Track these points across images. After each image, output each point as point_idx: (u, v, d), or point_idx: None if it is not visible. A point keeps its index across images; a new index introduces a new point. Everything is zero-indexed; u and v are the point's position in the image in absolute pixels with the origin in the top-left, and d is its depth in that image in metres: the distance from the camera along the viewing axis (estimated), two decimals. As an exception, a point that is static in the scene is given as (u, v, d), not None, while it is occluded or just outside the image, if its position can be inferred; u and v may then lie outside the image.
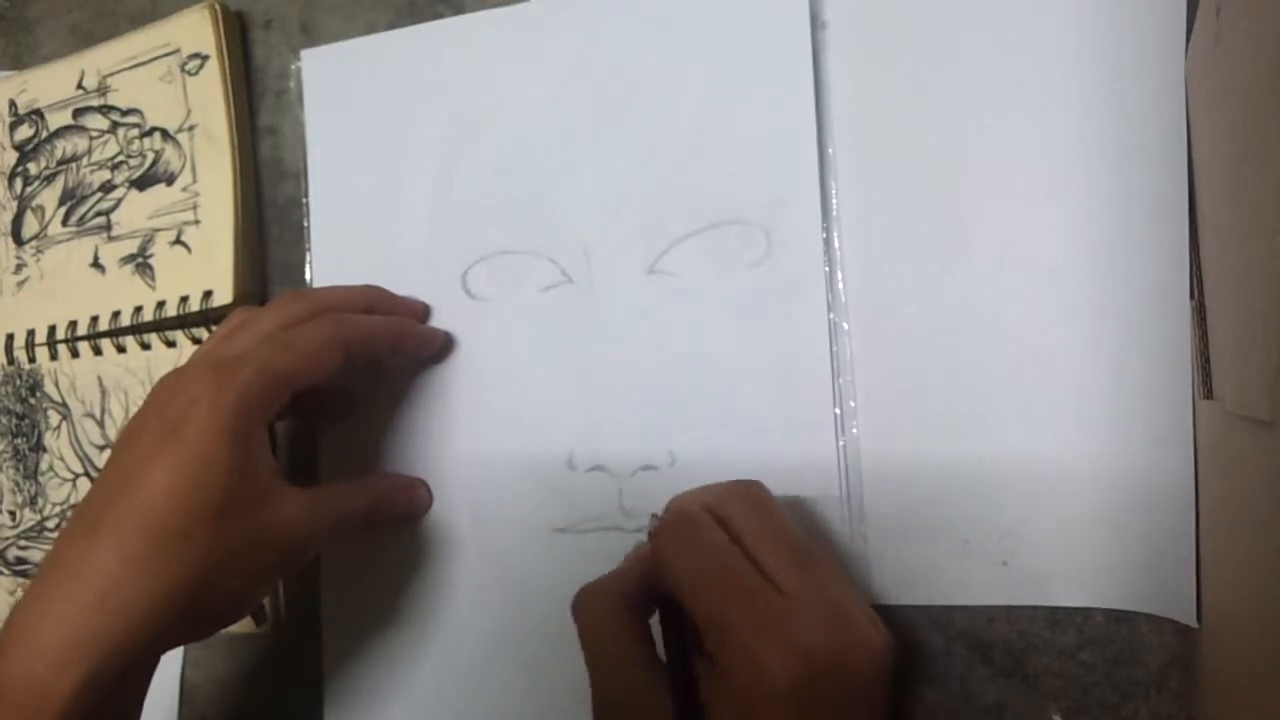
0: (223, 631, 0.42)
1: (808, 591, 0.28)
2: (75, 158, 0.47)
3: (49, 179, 0.47)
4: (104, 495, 0.31)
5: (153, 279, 0.44)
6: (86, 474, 0.46)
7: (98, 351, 0.45)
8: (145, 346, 0.44)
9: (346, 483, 0.38)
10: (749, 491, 0.32)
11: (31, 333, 0.47)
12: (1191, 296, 0.31)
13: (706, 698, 0.28)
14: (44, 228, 0.47)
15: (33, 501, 0.47)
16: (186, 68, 0.44)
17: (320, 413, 0.41)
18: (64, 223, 0.47)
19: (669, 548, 0.30)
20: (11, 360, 0.48)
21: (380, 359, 0.38)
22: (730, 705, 0.27)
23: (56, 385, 0.47)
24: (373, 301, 0.38)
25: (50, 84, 0.47)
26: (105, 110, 0.46)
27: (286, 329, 0.34)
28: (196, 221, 0.43)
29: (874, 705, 0.28)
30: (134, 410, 0.33)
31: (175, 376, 0.32)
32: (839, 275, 0.35)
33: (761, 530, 0.30)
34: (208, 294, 0.42)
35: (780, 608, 0.27)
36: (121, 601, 0.29)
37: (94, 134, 0.46)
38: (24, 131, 0.48)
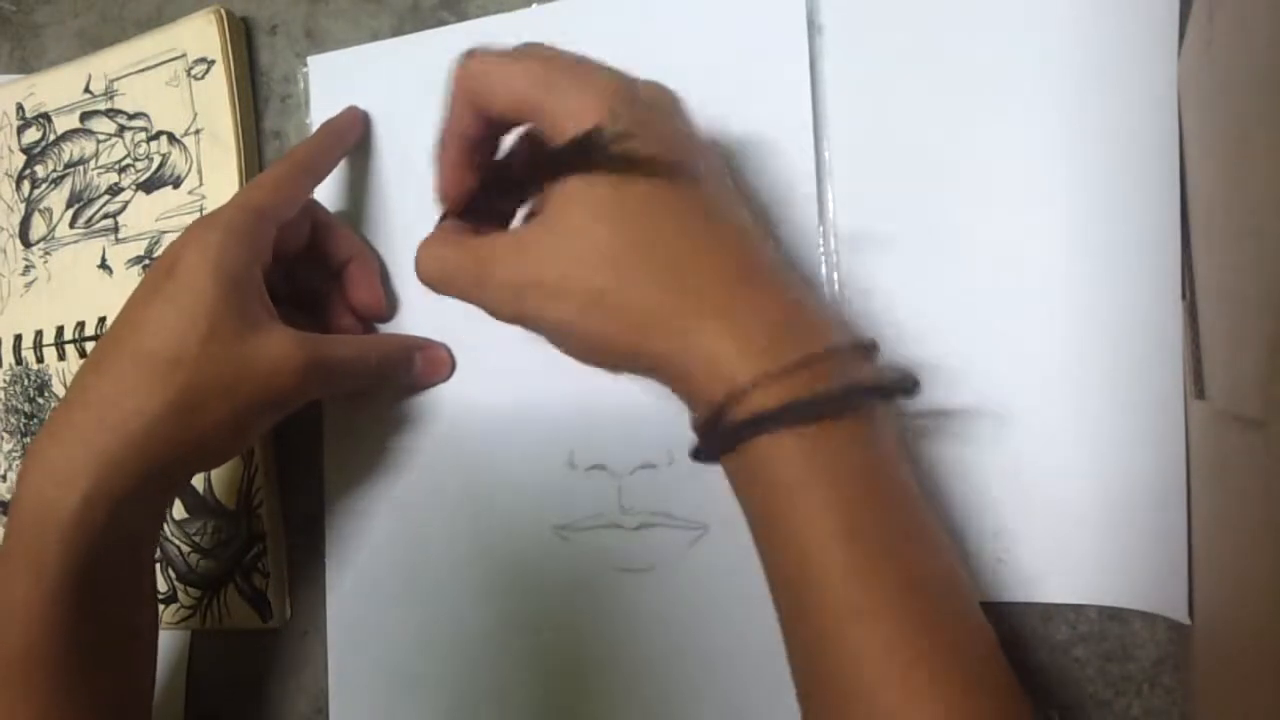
0: (228, 628, 0.43)
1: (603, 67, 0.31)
2: (82, 160, 0.47)
3: (56, 181, 0.48)
4: (110, 336, 0.34)
5: (159, 280, 0.44)
6: (93, 473, 0.46)
7: (105, 352, 0.46)
8: (151, 347, 0.45)
9: (355, 336, 0.40)
10: None
11: (39, 333, 0.47)
12: (1183, 296, 0.31)
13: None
14: (51, 230, 0.48)
15: (40, 500, 0.47)
16: (192, 72, 0.44)
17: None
18: (71, 225, 0.47)
19: (474, 76, 0.31)
20: (20, 361, 0.48)
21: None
22: (568, 149, 0.29)
23: (64, 385, 0.47)
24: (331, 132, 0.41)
25: (57, 88, 0.48)
26: (112, 114, 0.47)
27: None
28: (202, 223, 0.44)
29: (689, 121, 0.31)
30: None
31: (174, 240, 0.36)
32: (837, 275, 0.35)
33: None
34: (213, 295, 0.43)
35: (585, 64, 0.30)
36: (117, 421, 0.32)
37: (101, 137, 0.47)
38: (31, 134, 0.49)
